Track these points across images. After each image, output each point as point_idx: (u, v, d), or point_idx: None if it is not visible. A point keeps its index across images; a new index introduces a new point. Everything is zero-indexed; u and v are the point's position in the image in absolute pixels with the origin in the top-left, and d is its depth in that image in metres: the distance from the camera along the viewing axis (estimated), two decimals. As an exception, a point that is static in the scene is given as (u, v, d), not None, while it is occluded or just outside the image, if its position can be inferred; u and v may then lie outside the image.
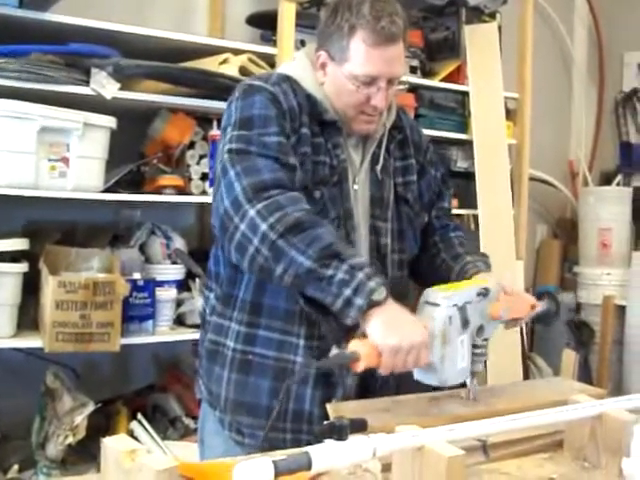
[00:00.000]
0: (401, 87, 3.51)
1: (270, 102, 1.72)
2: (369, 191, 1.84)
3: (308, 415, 1.75)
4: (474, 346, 1.64)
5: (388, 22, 1.69)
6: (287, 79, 1.79)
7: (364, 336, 1.53)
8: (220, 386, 1.80)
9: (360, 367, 1.50)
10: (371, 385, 1.81)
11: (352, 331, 1.57)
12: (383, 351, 1.50)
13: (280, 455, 1.08)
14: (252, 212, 1.57)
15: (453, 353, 1.59)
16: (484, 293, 1.65)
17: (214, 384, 1.82)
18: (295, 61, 1.92)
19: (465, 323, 1.60)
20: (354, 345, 1.51)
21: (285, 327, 1.74)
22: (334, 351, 1.63)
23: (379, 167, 1.85)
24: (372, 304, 1.52)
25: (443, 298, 1.59)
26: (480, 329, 1.64)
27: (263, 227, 1.55)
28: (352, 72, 1.73)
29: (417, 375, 1.63)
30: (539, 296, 1.85)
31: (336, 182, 1.77)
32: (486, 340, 1.67)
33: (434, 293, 1.61)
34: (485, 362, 1.70)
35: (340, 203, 1.76)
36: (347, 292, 1.52)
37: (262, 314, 1.75)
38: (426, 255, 1.97)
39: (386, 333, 1.51)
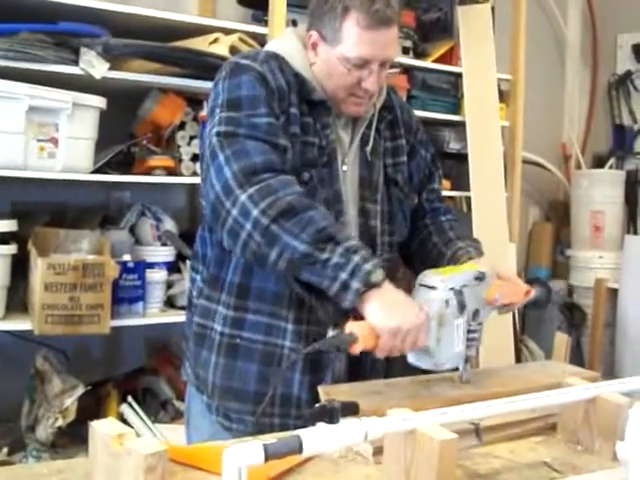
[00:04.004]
0: (393, 70, 3.49)
1: (258, 82, 1.68)
2: (358, 172, 1.82)
3: (296, 400, 1.73)
4: (469, 331, 1.62)
5: (383, 5, 1.67)
6: (275, 57, 1.76)
7: (360, 317, 1.52)
8: (207, 370, 1.79)
9: (357, 349, 1.48)
10: (361, 369, 1.80)
11: (348, 314, 1.55)
12: (381, 333, 1.49)
13: (270, 439, 1.07)
14: (243, 197, 1.54)
15: (449, 337, 1.58)
16: (480, 277, 1.64)
17: (201, 368, 1.81)
18: (284, 38, 1.89)
19: (462, 307, 1.58)
20: (351, 327, 1.49)
21: (273, 311, 1.72)
22: (331, 333, 1.62)
23: (369, 148, 1.83)
24: (369, 286, 1.50)
25: (440, 281, 1.58)
26: (475, 313, 1.63)
27: (255, 212, 1.53)
28: (344, 54, 1.70)
29: (411, 359, 1.62)
30: (530, 283, 1.85)
31: (325, 163, 1.75)
32: (480, 324, 1.66)
33: (431, 276, 1.60)
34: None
35: (329, 185, 1.74)
36: (343, 275, 1.50)
37: (250, 297, 1.73)
38: (417, 238, 1.96)
39: (384, 315, 1.49)
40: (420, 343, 1.53)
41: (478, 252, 1.85)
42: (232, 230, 1.57)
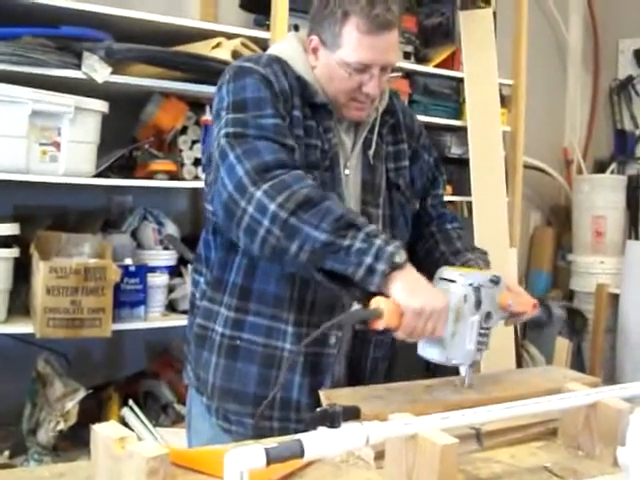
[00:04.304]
0: (395, 74, 3.49)
1: (262, 84, 1.69)
2: (361, 176, 1.82)
3: (296, 403, 1.73)
4: (480, 333, 1.63)
5: (383, 9, 1.66)
6: (278, 60, 1.76)
7: (384, 296, 1.52)
8: (208, 372, 1.79)
9: (381, 325, 1.48)
10: (360, 373, 1.81)
11: (373, 296, 1.54)
12: (406, 312, 1.48)
13: (271, 442, 1.07)
14: (259, 193, 1.53)
15: (463, 332, 1.58)
16: (496, 281, 1.65)
17: (202, 369, 1.81)
18: (286, 42, 1.89)
19: (478, 304, 1.59)
20: (378, 302, 1.49)
21: (274, 313, 1.72)
22: (356, 306, 1.61)
23: (371, 152, 1.83)
24: (394, 267, 1.50)
25: (459, 275, 1.60)
26: (488, 315, 1.63)
27: (272, 207, 1.51)
28: (344, 59, 1.70)
29: (421, 350, 1.63)
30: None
31: (327, 167, 1.75)
32: (489, 329, 1.66)
33: (450, 271, 1.63)
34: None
35: (331, 188, 1.73)
36: (368, 260, 1.49)
37: (252, 299, 1.74)
38: (423, 245, 1.96)
39: (410, 295, 1.49)
40: (438, 332, 1.53)
41: (487, 265, 1.85)
42: (249, 228, 1.55)
